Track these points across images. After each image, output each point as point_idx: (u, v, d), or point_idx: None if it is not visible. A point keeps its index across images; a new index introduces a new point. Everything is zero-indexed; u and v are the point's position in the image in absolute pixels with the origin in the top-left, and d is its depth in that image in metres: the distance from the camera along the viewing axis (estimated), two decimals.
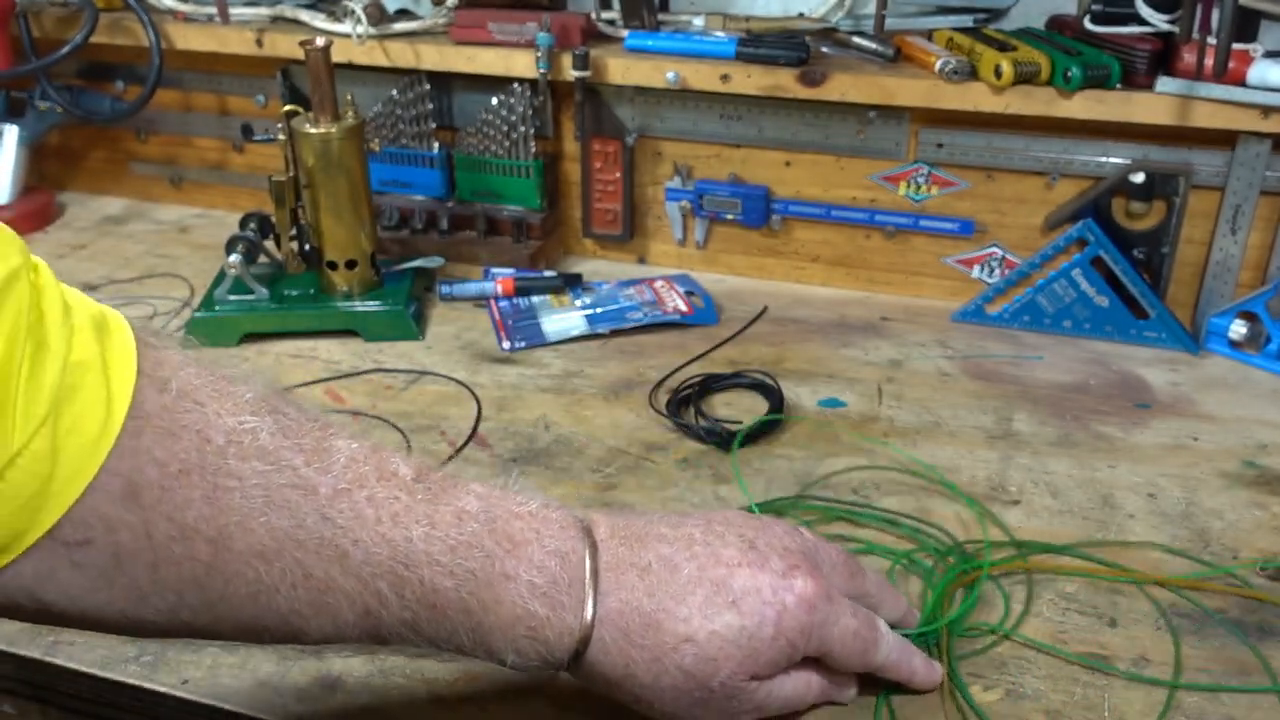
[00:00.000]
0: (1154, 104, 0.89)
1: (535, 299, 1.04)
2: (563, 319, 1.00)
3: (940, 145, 0.99)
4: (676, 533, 0.51)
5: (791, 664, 0.51)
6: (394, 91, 1.09)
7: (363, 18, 1.06)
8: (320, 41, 0.91)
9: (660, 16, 1.09)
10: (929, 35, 1.03)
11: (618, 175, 1.10)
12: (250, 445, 0.41)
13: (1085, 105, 0.90)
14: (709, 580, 0.48)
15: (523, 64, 1.04)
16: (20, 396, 0.35)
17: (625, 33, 1.07)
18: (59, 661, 0.60)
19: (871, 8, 1.03)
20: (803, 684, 0.53)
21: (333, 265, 0.97)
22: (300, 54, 0.92)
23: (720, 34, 1.03)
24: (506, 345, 0.96)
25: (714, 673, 0.48)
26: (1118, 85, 0.90)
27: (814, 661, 0.53)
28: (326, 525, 0.42)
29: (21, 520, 0.37)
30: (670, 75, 1.01)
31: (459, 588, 0.44)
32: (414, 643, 0.46)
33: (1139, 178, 0.94)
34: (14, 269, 0.36)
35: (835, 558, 0.54)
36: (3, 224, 0.39)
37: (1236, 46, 0.85)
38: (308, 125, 0.93)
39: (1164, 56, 0.90)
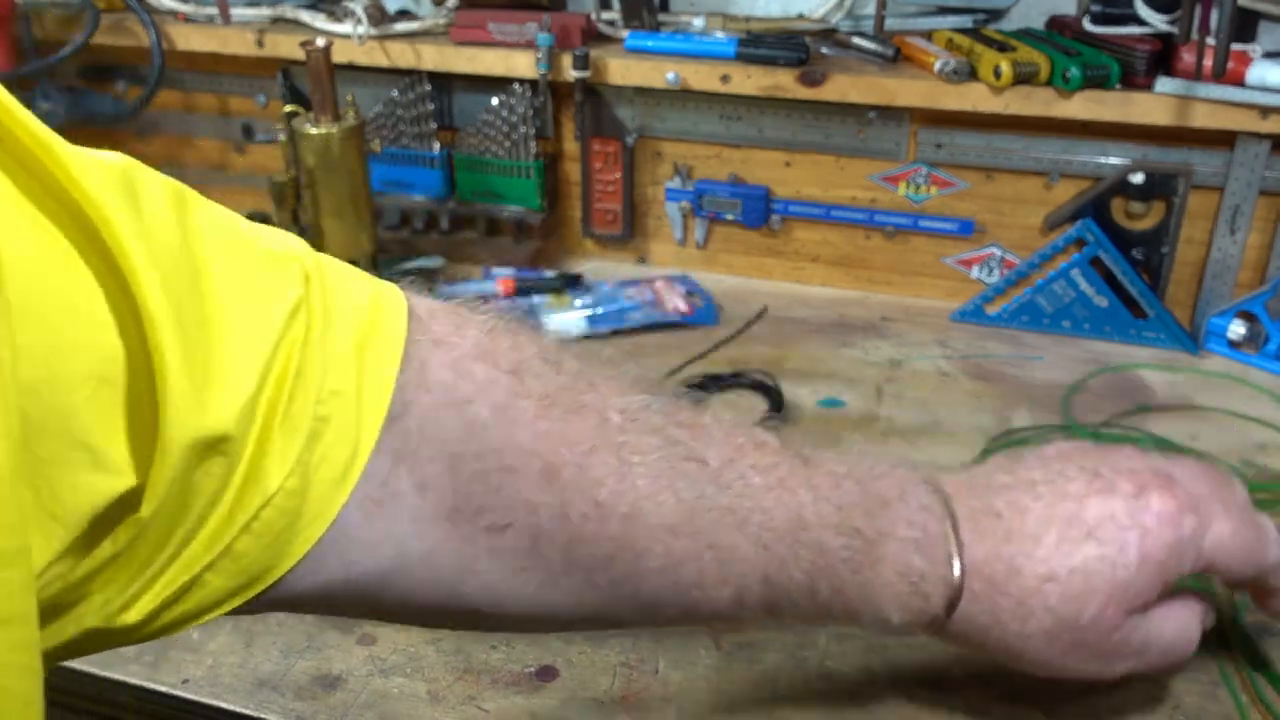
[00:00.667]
0: (1153, 104, 0.89)
1: (535, 299, 1.04)
2: (563, 319, 1.00)
3: (940, 145, 0.99)
4: (1016, 478, 0.49)
5: (1169, 592, 0.48)
6: (394, 92, 1.09)
7: (363, 18, 1.06)
8: (321, 42, 0.92)
9: (660, 17, 1.09)
10: (929, 36, 1.04)
11: (618, 175, 1.10)
12: (645, 422, 0.42)
13: (1084, 106, 0.90)
14: (1060, 517, 0.47)
15: (523, 64, 1.04)
16: (277, 436, 0.33)
17: (625, 33, 1.07)
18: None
19: (871, 8, 1.03)
20: (1186, 620, 0.50)
21: None
22: (301, 54, 0.92)
23: (720, 34, 1.03)
24: None
25: (1081, 609, 0.46)
26: (1117, 86, 0.90)
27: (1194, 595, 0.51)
28: (725, 494, 0.42)
29: (267, 558, 0.35)
30: (670, 76, 1.01)
31: (848, 546, 0.44)
32: (804, 613, 0.45)
33: (1138, 178, 0.94)
34: (295, 303, 0.35)
35: (1194, 467, 0.50)
36: (289, 237, 0.38)
37: (1235, 47, 0.85)
38: (308, 126, 0.93)
39: (1163, 57, 0.90)
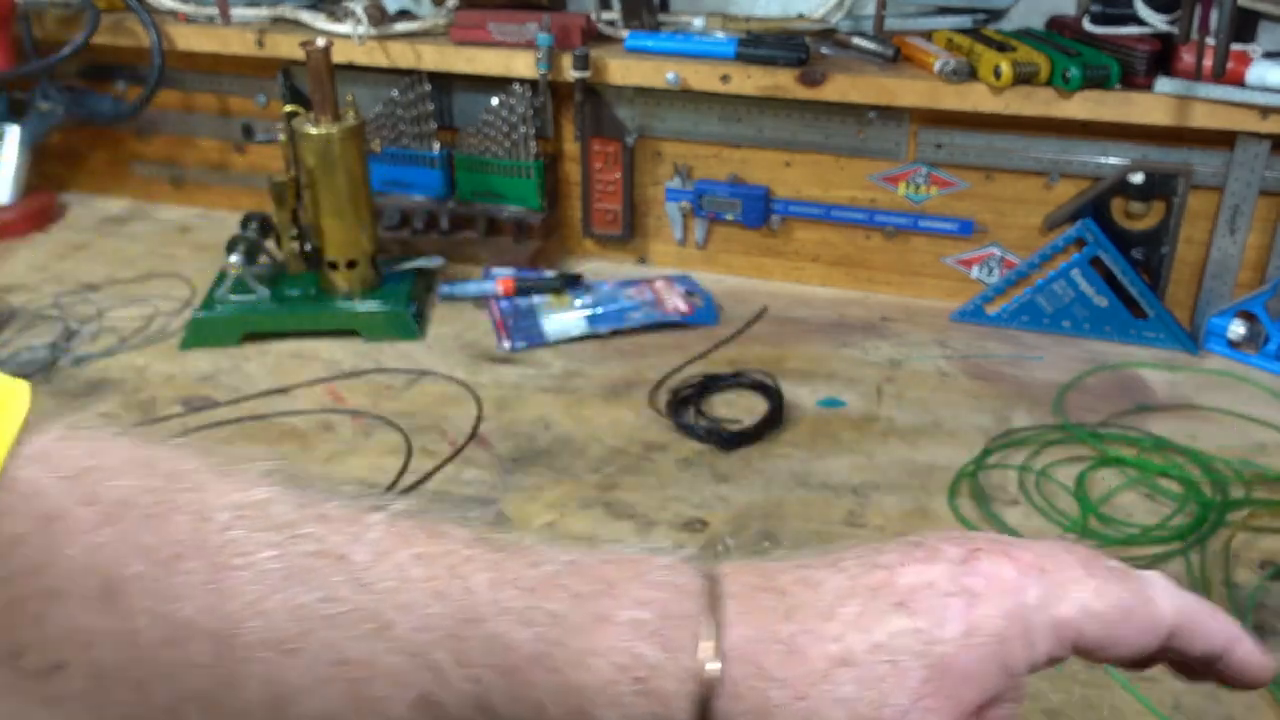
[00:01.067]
0: (1153, 104, 0.89)
1: (535, 299, 1.04)
2: (563, 319, 1.00)
3: (940, 145, 0.99)
4: (819, 559, 0.37)
5: (1013, 684, 0.35)
6: (394, 92, 1.09)
7: (363, 18, 1.06)
8: (321, 42, 0.92)
9: (660, 17, 1.10)
10: (929, 36, 1.04)
11: (618, 175, 1.10)
12: (265, 518, 0.33)
13: (1084, 106, 0.90)
14: (864, 587, 0.35)
15: (523, 64, 1.04)
16: None
17: (625, 33, 1.07)
18: None
19: (871, 8, 1.03)
20: None
21: (333, 265, 0.98)
22: (301, 54, 0.92)
23: (720, 34, 1.03)
24: (506, 345, 0.96)
25: (885, 698, 0.33)
26: (1117, 86, 0.90)
27: None
28: (363, 592, 0.33)
29: None
30: (670, 76, 1.01)
31: (540, 638, 0.33)
32: None
33: (1138, 178, 0.94)
34: None
35: (1042, 541, 0.38)
36: None
37: (1235, 47, 0.85)
38: (308, 125, 0.93)
39: (1163, 57, 0.90)
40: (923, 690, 0.33)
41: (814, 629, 0.34)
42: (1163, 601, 0.36)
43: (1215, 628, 0.38)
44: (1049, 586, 0.35)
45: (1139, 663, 0.37)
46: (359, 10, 1.06)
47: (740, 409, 0.86)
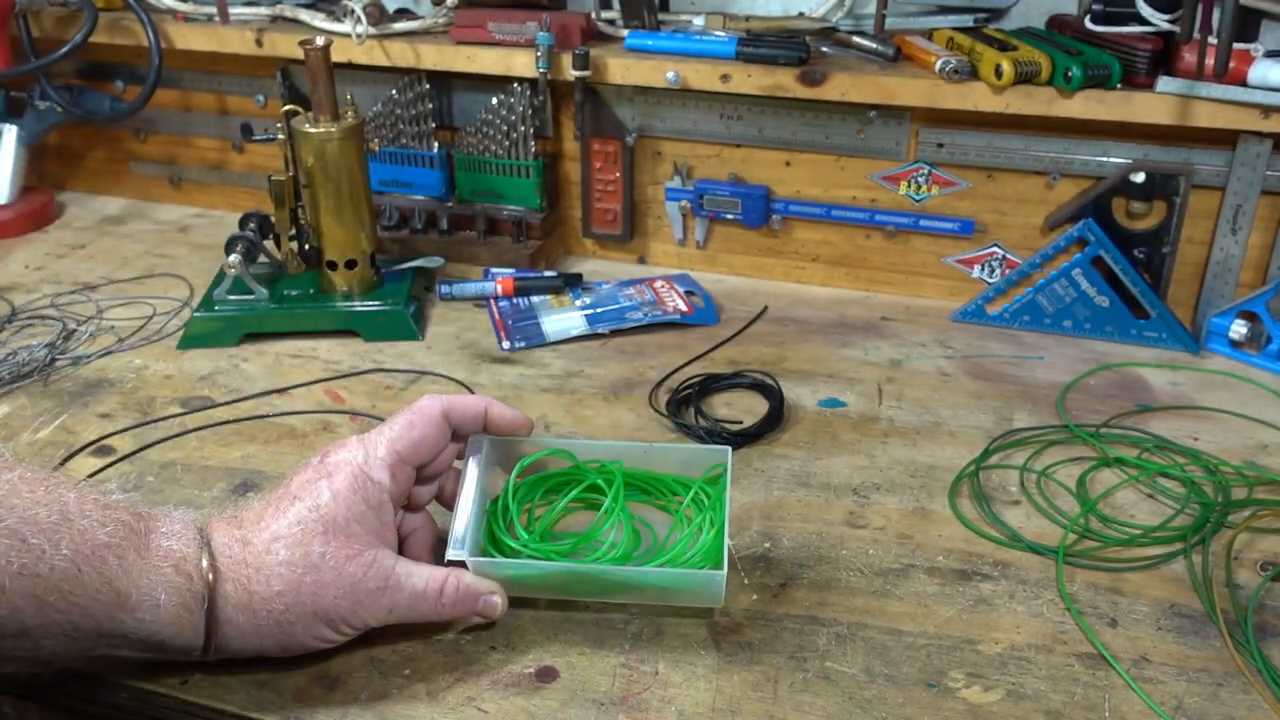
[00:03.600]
0: (1154, 104, 0.89)
1: (535, 299, 1.04)
2: (563, 319, 1.00)
3: (940, 145, 0.99)
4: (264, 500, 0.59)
5: (390, 514, 0.59)
6: (394, 91, 1.09)
7: (362, 17, 1.06)
8: (320, 41, 0.91)
9: (660, 16, 1.09)
10: (929, 35, 1.03)
11: (618, 175, 1.10)
12: None
13: (1086, 105, 0.90)
14: (276, 498, 0.58)
15: (523, 64, 1.04)
16: None
17: (625, 32, 1.06)
18: None
19: (871, 8, 1.03)
20: (435, 583, 0.59)
21: (332, 265, 0.97)
22: (300, 54, 0.92)
23: (720, 34, 1.03)
24: (506, 345, 0.96)
25: (308, 548, 0.56)
26: (1118, 85, 0.90)
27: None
28: None
29: None
30: (670, 75, 1.01)
31: (113, 534, 0.52)
32: (77, 603, 0.50)
33: (1139, 177, 0.94)
34: None
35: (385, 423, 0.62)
36: None
37: (1237, 46, 0.84)
38: (307, 125, 0.93)
39: (1164, 56, 0.90)
40: (326, 533, 0.56)
41: (255, 527, 0.57)
42: (430, 402, 0.62)
43: (469, 400, 0.64)
44: (368, 446, 0.60)
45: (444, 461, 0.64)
46: (358, 9, 1.06)
47: (740, 409, 0.86)
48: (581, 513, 0.71)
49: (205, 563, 0.54)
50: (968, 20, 1.03)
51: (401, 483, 0.61)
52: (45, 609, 0.49)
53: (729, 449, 0.67)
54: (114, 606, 0.51)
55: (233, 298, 0.97)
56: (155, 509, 0.56)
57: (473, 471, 0.64)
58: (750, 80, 0.99)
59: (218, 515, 0.58)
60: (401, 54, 1.08)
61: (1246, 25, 0.87)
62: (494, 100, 1.07)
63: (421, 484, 0.64)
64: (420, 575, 0.59)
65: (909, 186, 1.02)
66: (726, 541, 0.62)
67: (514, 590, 0.62)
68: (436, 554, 0.65)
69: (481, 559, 0.61)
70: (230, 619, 0.55)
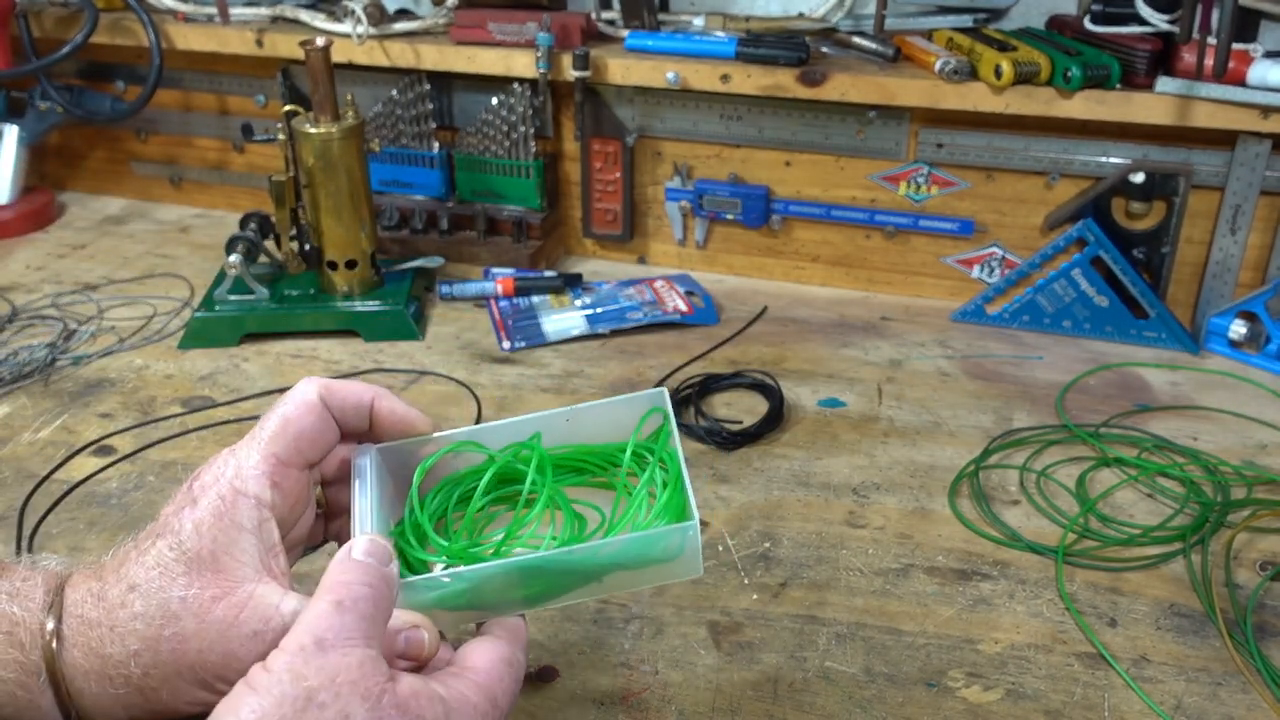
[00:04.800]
0: (1154, 104, 0.89)
1: (535, 299, 1.04)
2: (563, 319, 1.00)
3: (940, 145, 0.99)
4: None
5: (273, 530, 0.48)
6: (394, 91, 1.09)
7: (363, 18, 1.06)
8: (320, 41, 0.91)
9: (660, 16, 1.09)
10: (929, 35, 1.03)
11: (618, 175, 1.10)
12: None
13: (1085, 105, 0.90)
14: (141, 536, 0.48)
15: (523, 64, 1.04)
16: None
17: (625, 33, 1.07)
18: None
19: (871, 8, 1.03)
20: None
21: (333, 265, 0.97)
22: (300, 54, 0.92)
23: (720, 34, 1.03)
24: (506, 345, 0.96)
25: (165, 597, 0.46)
26: (1118, 85, 0.90)
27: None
28: None
29: None
30: (670, 75, 1.01)
31: None
32: None
33: (1139, 178, 0.94)
34: None
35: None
36: None
37: (1236, 46, 0.85)
38: (308, 125, 0.93)
39: (1164, 56, 0.90)
40: (188, 578, 0.46)
41: (114, 577, 0.47)
42: (305, 386, 0.51)
43: (348, 386, 0.51)
44: (239, 457, 0.49)
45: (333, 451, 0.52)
46: (358, 9, 1.06)
47: (740, 409, 0.86)
48: (508, 513, 0.55)
49: (50, 626, 0.45)
50: (967, 20, 1.03)
51: (290, 491, 0.49)
52: None
53: (664, 390, 0.54)
54: None
55: (233, 298, 0.97)
56: (7, 561, 0.48)
57: (363, 494, 0.51)
58: (750, 80, 0.99)
59: (82, 565, 0.49)
60: (402, 54, 1.08)
61: (1245, 26, 0.88)
62: (494, 100, 1.07)
63: (331, 485, 0.54)
64: (297, 604, 0.46)
65: (909, 187, 1.02)
66: (689, 492, 0.51)
67: (446, 618, 0.50)
68: None
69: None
70: (82, 690, 0.46)
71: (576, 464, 0.56)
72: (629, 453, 0.54)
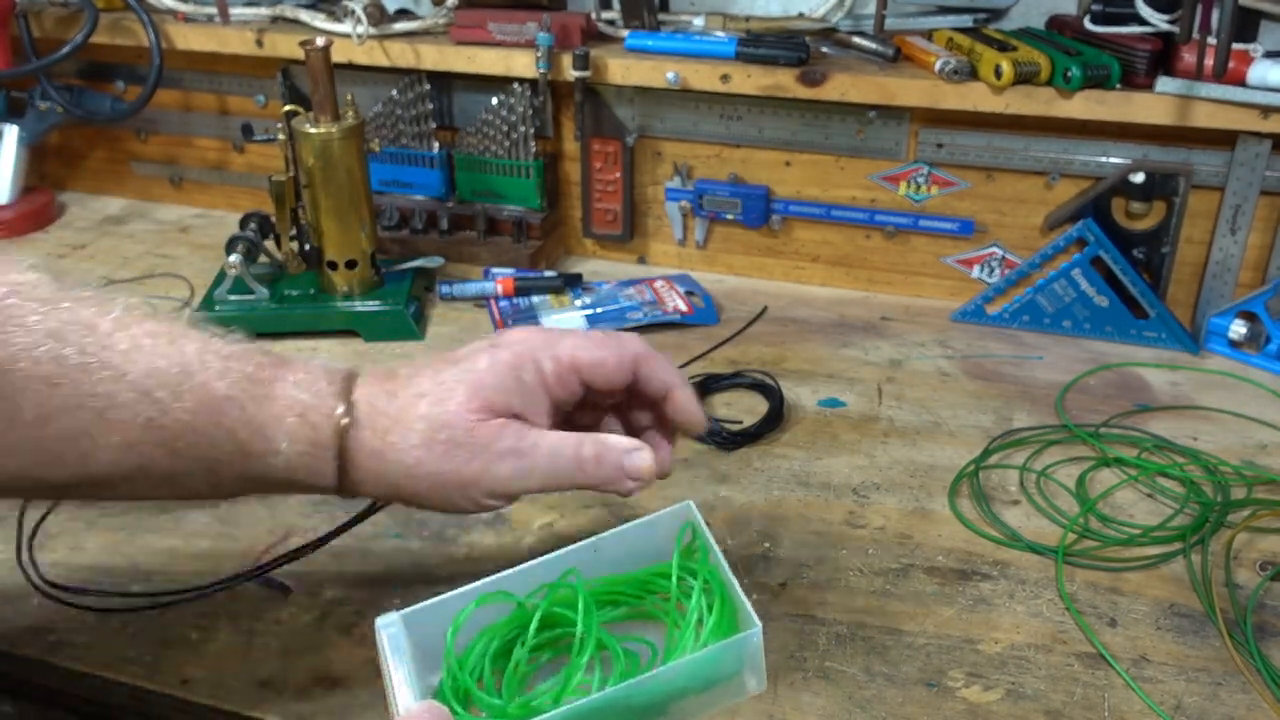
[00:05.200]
0: (1154, 104, 0.89)
1: (535, 299, 1.04)
2: (563, 319, 1.00)
3: (940, 145, 0.99)
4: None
5: (544, 404, 0.56)
6: (394, 91, 1.09)
7: (363, 18, 1.06)
8: (320, 41, 0.91)
9: (660, 16, 1.09)
10: (929, 35, 1.03)
11: (618, 175, 1.10)
12: (35, 294, 0.48)
13: (1085, 105, 0.90)
14: (437, 360, 0.56)
15: (523, 64, 1.04)
16: None
17: (625, 33, 1.07)
18: (59, 662, 0.60)
19: (871, 8, 1.03)
20: (571, 440, 0.55)
21: (333, 265, 0.97)
22: (300, 54, 0.92)
23: (720, 34, 1.03)
24: None
25: (445, 405, 0.54)
26: (1118, 85, 0.90)
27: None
28: (107, 351, 0.49)
29: None
30: (670, 75, 1.01)
31: (233, 386, 0.51)
32: (196, 451, 0.51)
33: (1139, 178, 0.94)
34: None
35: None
36: None
37: (1236, 46, 0.85)
38: (308, 125, 0.93)
39: (1164, 56, 0.90)
40: (466, 395, 0.54)
41: (404, 385, 0.55)
42: (630, 341, 0.58)
43: (666, 367, 0.59)
44: (546, 341, 0.56)
45: (615, 393, 0.59)
46: (358, 9, 1.06)
47: (740, 409, 0.86)
48: (548, 661, 0.54)
49: (340, 409, 0.53)
50: (967, 20, 1.03)
51: (563, 389, 0.56)
52: (178, 458, 0.51)
53: (689, 503, 0.55)
54: (239, 454, 0.52)
55: (233, 298, 0.97)
56: (292, 358, 0.55)
57: (398, 663, 0.49)
58: (750, 80, 0.99)
59: (372, 369, 0.56)
60: (402, 54, 1.08)
61: (1245, 25, 0.88)
62: (494, 100, 1.07)
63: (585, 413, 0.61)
64: (555, 435, 0.55)
65: (909, 187, 1.02)
66: (744, 601, 0.49)
67: None
68: None
69: None
70: (361, 465, 0.54)
71: (611, 597, 0.55)
72: (675, 577, 0.53)
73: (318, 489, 0.54)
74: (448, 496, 0.55)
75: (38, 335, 0.47)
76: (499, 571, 0.52)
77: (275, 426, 0.52)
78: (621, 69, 1.03)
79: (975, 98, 0.93)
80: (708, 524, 0.55)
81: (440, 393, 0.54)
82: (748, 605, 0.49)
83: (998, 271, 1.03)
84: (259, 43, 1.13)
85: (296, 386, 0.53)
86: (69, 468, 0.49)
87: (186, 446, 0.51)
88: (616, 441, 0.56)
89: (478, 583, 0.52)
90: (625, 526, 0.55)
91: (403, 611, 0.51)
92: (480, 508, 0.56)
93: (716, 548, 0.52)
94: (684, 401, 0.59)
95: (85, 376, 0.48)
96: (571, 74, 1.02)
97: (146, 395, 0.49)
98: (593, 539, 0.54)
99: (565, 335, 0.57)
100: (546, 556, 0.53)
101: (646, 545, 0.55)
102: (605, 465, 0.56)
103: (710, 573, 0.52)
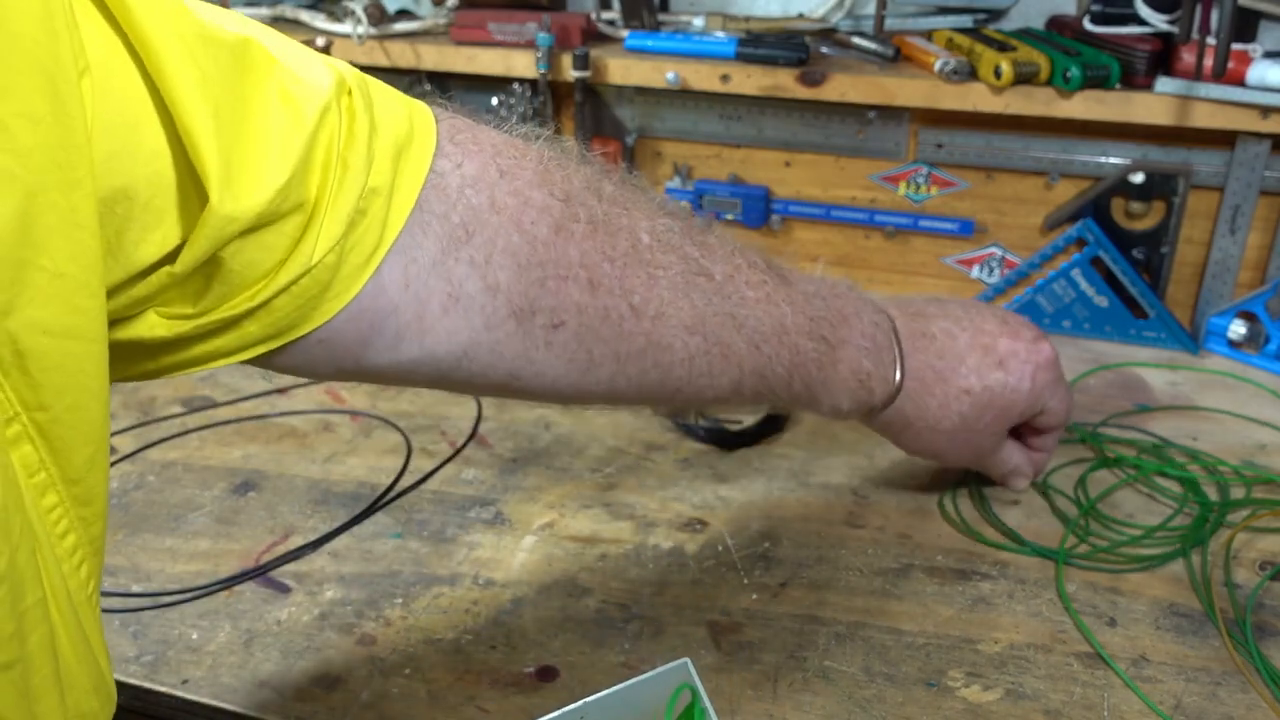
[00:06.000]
0: (1153, 104, 0.89)
1: None
2: None
3: (940, 145, 0.99)
4: (944, 310, 0.65)
5: (1025, 418, 0.67)
6: None
7: (363, 18, 1.06)
8: (320, 42, 0.92)
9: (660, 16, 1.09)
10: (929, 35, 1.03)
11: None
12: (667, 241, 0.52)
13: (1085, 105, 0.90)
14: (979, 346, 0.63)
15: (523, 64, 1.04)
16: (326, 219, 0.40)
17: (625, 33, 1.07)
18: None
19: (871, 8, 1.03)
20: (1021, 454, 0.70)
21: None
22: None
23: (720, 34, 1.03)
24: None
25: (981, 416, 0.64)
26: (1117, 85, 0.90)
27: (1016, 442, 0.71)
28: (726, 302, 0.54)
29: (295, 317, 0.42)
30: (670, 75, 1.01)
31: (817, 349, 0.58)
32: (780, 400, 0.59)
33: (1138, 178, 0.94)
34: (328, 102, 0.41)
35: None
36: (330, 58, 0.44)
37: (1236, 47, 0.85)
38: None
39: (1163, 57, 0.90)
40: (999, 415, 0.65)
41: (953, 367, 0.63)
42: (1069, 415, 0.70)
43: (1054, 440, 0.72)
44: (1060, 374, 0.67)
45: (1038, 429, 0.71)
46: (359, 10, 1.06)
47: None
48: None
49: (898, 378, 0.61)
50: (967, 21, 1.03)
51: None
52: (762, 395, 0.58)
53: (687, 661, 0.49)
54: (808, 402, 0.60)
55: None
56: (848, 311, 0.60)
57: None
58: (750, 81, 0.99)
59: (907, 323, 0.63)
60: (401, 54, 1.08)
61: (1245, 26, 0.88)
62: (494, 101, 1.07)
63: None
64: (1007, 448, 0.70)
65: (908, 187, 1.02)
66: None
67: None
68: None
69: None
70: (889, 420, 0.64)
71: None
72: None
73: (840, 418, 0.64)
74: (932, 454, 0.67)
75: (679, 286, 0.51)
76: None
77: (841, 387, 0.60)
78: (621, 69, 1.03)
79: (975, 98, 0.93)
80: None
81: (983, 400, 0.63)
82: None
83: (997, 272, 1.03)
84: None
85: (861, 351, 0.60)
86: (679, 398, 0.56)
87: (774, 391, 0.58)
88: (1024, 465, 0.71)
89: None
90: (614, 690, 0.48)
91: None
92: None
93: (713, 713, 0.48)
94: (1042, 460, 0.73)
95: (714, 325, 0.53)
96: (571, 74, 1.03)
97: (757, 349, 0.55)
98: (579, 704, 0.48)
99: (1061, 385, 0.67)
100: None
101: (640, 710, 0.49)
102: (1010, 479, 0.72)
103: None
